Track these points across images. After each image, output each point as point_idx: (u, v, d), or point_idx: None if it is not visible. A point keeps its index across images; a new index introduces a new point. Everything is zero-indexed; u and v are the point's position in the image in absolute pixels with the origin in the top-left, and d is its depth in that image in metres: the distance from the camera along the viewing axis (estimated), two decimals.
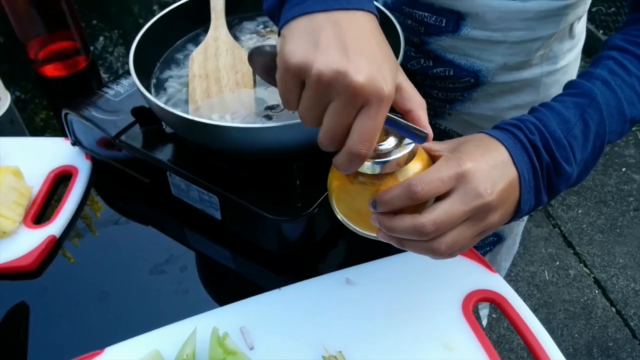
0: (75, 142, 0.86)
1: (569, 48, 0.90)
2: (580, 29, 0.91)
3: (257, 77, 0.76)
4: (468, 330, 0.63)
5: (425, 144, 0.54)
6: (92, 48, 1.13)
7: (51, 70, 1.04)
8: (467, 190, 0.51)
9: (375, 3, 0.82)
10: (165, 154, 0.74)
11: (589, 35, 2.76)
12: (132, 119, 0.77)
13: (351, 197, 0.54)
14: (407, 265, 0.70)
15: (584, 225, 2.12)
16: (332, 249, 0.76)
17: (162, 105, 0.65)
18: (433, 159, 0.54)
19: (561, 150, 0.56)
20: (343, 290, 0.67)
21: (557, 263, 2.00)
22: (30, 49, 1.02)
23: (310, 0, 0.46)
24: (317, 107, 0.45)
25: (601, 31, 2.77)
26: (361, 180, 0.52)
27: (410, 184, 0.49)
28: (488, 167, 0.52)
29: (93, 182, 0.85)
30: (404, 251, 0.72)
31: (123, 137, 0.77)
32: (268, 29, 0.86)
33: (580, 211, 2.17)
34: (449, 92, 0.93)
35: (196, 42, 0.84)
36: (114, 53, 1.15)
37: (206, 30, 0.81)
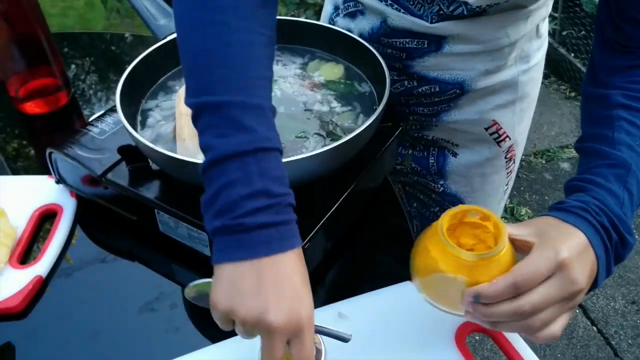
0: (60, 180, 0.85)
1: (538, 47, 0.94)
2: (545, 28, 0.95)
3: None
4: None
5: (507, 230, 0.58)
6: (74, 82, 1.13)
7: (32, 108, 1.03)
8: (564, 278, 0.55)
9: (353, 35, 0.84)
10: (152, 191, 0.74)
11: (561, 58, 2.83)
12: (118, 156, 0.77)
13: (444, 282, 0.58)
14: (400, 297, 0.70)
15: None
16: (322, 282, 0.77)
17: (150, 145, 0.65)
18: (515, 242, 0.59)
19: (624, 226, 0.61)
20: (336, 324, 0.67)
21: None
22: (10, 87, 1.02)
23: (235, 249, 0.50)
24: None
25: (572, 54, 2.84)
26: (460, 272, 0.56)
27: (515, 280, 0.55)
28: (577, 256, 0.57)
29: (78, 220, 0.84)
30: (396, 283, 0.73)
31: (109, 176, 0.76)
32: None
33: None
34: (435, 105, 0.95)
35: (181, 76, 0.84)
36: (94, 87, 1.15)
37: None
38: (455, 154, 1.02)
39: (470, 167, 1.03)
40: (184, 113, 0.74)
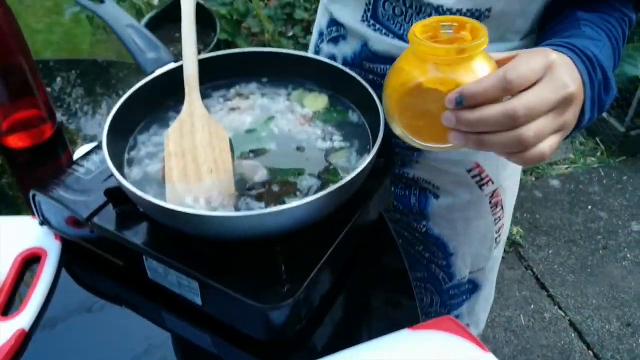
0: (44, 222, 0.82)
1: None
2: None
3: (235, 154, 0.74)
4: None
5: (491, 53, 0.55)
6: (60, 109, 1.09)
7: (15, 141, 1.00)
8: (555, 79, 0.52)
9: (334, 64, 0.82)
10: (140, 236, 0.71)
11: None
12: (104, 197, 0.74)
13: (421, 99, 0.53)
14: (399, 345, 0.68)
15: (555, 266, 2.13)
16: (318, 330, 0.74)
17: (138, 193, 0.62)
18: (499, 63, 0.54)
19: (608, 69, 0.60)
20: None
21: (532, 306, 2.00)
22: None
23: None
24: None
25: None
26: (439, 75, 0.51)
27: (507, 72, 0.50)
28: (565, 61, 0.55)
29: (63, 264, 0.81)
30: (394, 330, 0.70)
31: (95, 219, 0.73)
32: (238, 98, 0.84)
33: (550, 251, 2.18)
34: None
35: (174, 110, 0.82)
36: (80, 117, 1.12)
37: (179, 100, 0.79)
38: (436, 196, 1.01)
39: (451, 210, 1.01)
40: (172, 153, 0.71)
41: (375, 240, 0.86)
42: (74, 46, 3.37)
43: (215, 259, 0.68)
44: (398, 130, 0.57)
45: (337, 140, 0.76)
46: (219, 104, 0.82)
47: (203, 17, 2.63)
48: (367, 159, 0.67)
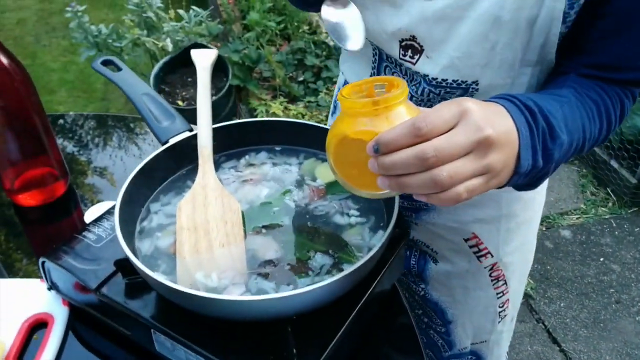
0: (52, 287, 0.81)
1: None
2: None
3: (247, 227, 0.73)
4: None
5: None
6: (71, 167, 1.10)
7: (26, 200, 1.00)
8: (468, 123, 0.53)
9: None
10: (149, 309, 0.70)
11: None
12: (113, 267, 0.73)
13: (350, 150, 0.58)
14: None
15: (567, 320, 2.10)
16: None
17: (150, 273, 0.62)
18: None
19: (554, 119, 0.61)
20: None
21: None
22: (5, 178, 0.98)
23: None
24: None
25: None
26: (360, 127, 0.56)
27: (415, 121, 0.52)
28: (487, 111, 0.55)
29: (70, 330, 0.80)
30: None
31: (104, 290, 0.72)
32: (248, 171, 0.83)
33: (562, 304, 2.15)
34: (414, 200, 0.91)
35: (186, 179, 0.82)
36: (93, 174, 1.12)
37: (193, 169, 0.78)
38: (435, 261, 1.00)
39: (449, 277, 1.00)
40: (184, 227, 0.71)
41: (387, 311, 0.85)
42: (88, 85, 3.41)
43: (225, 337, 0.66)
44: (340, 180, 0.62)
45: (354, 216, 0.76)
46: (231, 176, 0.82)
47: (216, 63, 2.66)
48: (384, 236, 0.66)
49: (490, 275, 0.99)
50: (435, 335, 1.11)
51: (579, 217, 2.48)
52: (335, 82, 2.54)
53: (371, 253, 0.63)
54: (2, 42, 0.87)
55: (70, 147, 1.19)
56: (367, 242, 0.72)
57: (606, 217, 2.49)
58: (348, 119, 0.58)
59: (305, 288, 0.59)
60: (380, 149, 0.54)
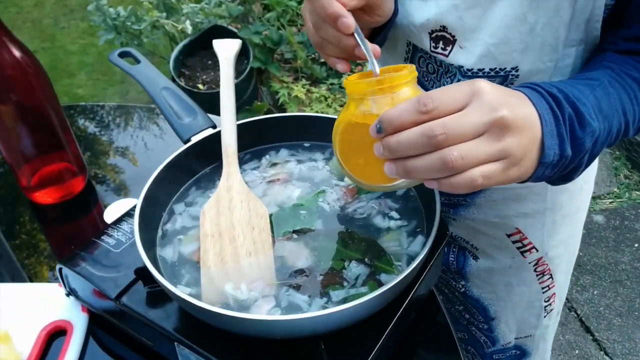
0: (70, 293, 0.77)
1: None
2: None
3: (276, 232, 0.68)
4: None
5: None
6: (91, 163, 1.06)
7: (44, 197, 0.96)
8: (482, 103, 0.49)
9: None
10: (172, 321, 0.66)
11: None
12: (134, 274, 0.69)
13: (355, 136, 0.55)
14: None
15: (601, 308, 2.03)
16: None
17: (172, 289, 0.57)
18: None
19: (582, 106, 0.55)
20: None
21: (577, 351, 1.90)
22: (22, 176, 0.94)
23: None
24: None
25: None
26: (364, 111, 0.54)
27: (420, 97, 0.48)
28: (503, 92, 0.51)
29: (90, 337, 0.76)
30: None
31: (124, 299, 0.68)
32: (273, 171, 0.78)
33: (595, 292, 2.08)
34: (451, 196, 0.88)
35: (211, 177, 0.77)
36: (113, 169, 1.08)
37: (218, 167, 0.73)
38: (475, 257, 0.94)
39: (491, 273, 0.95)
40: (209, 234, 0.66)
41: (423, 312, 0.80)
42: (107, 68, 3.38)
43: (255, 352, 0.62)
44: (347, 173, 0.59)
45: (394, 219, 0.70)
46: (256, 177, 0.77)
47: None
48: (426, 246, 0.60)
49: (535, 271, 0.94)
50: (477, 332, 1.06)
51: (612, 202, 2.40)
52: (359, 64, 2.47)
53: (413, 265, 0.58)
54: (21, 24, 0.83)
55: (89, 140, 1.15)
56: (405, 249, 0.67)
57: None
58: (353, 104, 0.56)
59: (342, 306, 0.54)
60: (383, 127, 0.50)
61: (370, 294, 0.55)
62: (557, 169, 0.56)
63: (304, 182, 0.75)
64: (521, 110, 0.51)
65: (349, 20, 0.59)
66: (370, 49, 0.60)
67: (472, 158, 0.48)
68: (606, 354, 1.90)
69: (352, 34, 0.60)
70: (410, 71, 0.54)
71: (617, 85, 0.61)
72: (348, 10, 0.59)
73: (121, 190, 1.02)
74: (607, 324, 1.98)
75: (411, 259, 0.66)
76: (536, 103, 0.53)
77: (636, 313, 2.01)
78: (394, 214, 0.71)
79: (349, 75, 0.63)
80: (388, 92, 0.53)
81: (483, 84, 0.50)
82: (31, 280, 0.87)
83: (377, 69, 0.57)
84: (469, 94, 0.49)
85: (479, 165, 0.48)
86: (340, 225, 0.70)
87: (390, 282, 0.56)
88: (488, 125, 0.48)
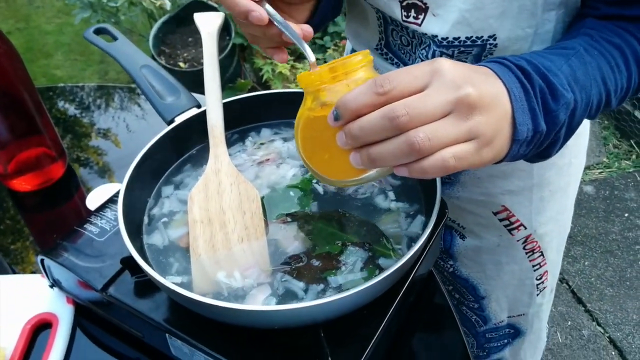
0: (54, 284, 0.74)
1: None
2: None
3: (269, 216, 0.65)
4: None
5: None
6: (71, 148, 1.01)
7: (21, 184, 0.92)
8: (443, 82, 0.46)
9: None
10: (162, 311, 0.63)
11: None
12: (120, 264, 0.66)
13: (315, 130, 0.53)
14: None
15: (592, 279, 2.03)
16: None
17: (161, 279, 0.53)
18: None
19: (554, 77, 0.53)
20: None
21: (569, 323, 1.90)
22: None
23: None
24: None
25: None
26: (321, 102, 0.51)
27: (376, 79, 0.46)
28: (466, 69, 0.48)
29: (76, 330, 0.73)
30: None
31: (111, 290, 0.65)
32: (261, 152, 0.74)
33: (586, 263, 2.08)
34: None
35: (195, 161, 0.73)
36: (95, 152, 1.04)
37: (205, 149, 0.70)
38: (462, 236, 0.92)
39: (479, 252, 0.94)
40: (197, 220, 0.63)
41: (422, 293, 0.77)
42: (85, 47, 3.29)
43: (250, 342, 0.59)
44: (314, 172, 0.56)
45: (393, 200, 0.67)
46: (244, 160, 0.73)
47: None
48: (428, 227, 0.57)
49: (524, 248, 0.92)
50: (468, 311, 1.04)
51: (602, 172, 2.39)
52: (343, 38, 2.42)
53: (415, 248, 0.55)
54: None
55: (69, 123, 1.10)
56: (405, 230, 0.64)
57: (630, 170, 2.39)
58: (309, 98, 0.53)
59: (341, 294, 0.51)
60: (340, 112, 0.48)
61: (371, 280, 0.52)
62: (533, 146, 0.53)
63: (298, 161, 0.71)
64: (487, 86, 0.48)
65: (258, 13, 0.56)
66: (297, 33, 0.57)
67: (440, 139, 0.45)
68: (598, 324, 1.90)
69: (271, 23, 0.57)
70: (364, 55, 0.52)
71: (596, 53, 0.58)
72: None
73: (105, 173, 0.98)
74: (599, 294, 1.99)
75: (411, 240, 0.63)
76: (503, 77, 0.50)
77: (627, 283, 2.01)
78: (391, 195, 0.68)
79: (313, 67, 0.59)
80: (342, 78, 0.51)
81: (443, 62, 0.47)
82: (17, 266, 0.84)
83: (309, 53, 0.55)
84: (430, 73, 0.47)
85: (449, 147, 0.46)
86: (336, 207, 0.66)
87: (391, 267, 0.54)
88: (453, 104, 0.46)
